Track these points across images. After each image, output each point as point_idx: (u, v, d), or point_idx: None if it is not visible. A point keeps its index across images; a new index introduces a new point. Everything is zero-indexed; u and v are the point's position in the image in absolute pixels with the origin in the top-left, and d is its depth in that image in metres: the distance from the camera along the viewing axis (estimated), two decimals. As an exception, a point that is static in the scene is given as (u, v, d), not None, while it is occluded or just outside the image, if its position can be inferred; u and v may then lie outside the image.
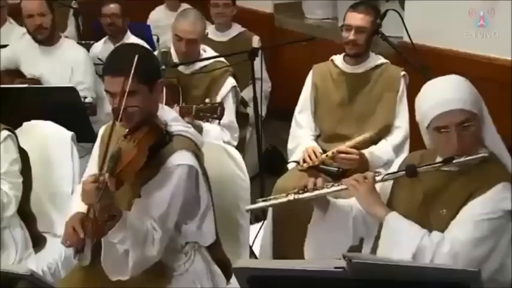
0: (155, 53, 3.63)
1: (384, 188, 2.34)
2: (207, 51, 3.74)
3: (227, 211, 2.71)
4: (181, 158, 2.27)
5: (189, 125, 2.46)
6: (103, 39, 4.70)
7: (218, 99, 3.53)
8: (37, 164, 2.91)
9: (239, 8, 4.81)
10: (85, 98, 3.69)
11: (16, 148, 2.74)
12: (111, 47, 4.28)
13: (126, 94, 2.14)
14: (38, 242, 2.88)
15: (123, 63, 2.18)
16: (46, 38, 3.91)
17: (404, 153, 3.12)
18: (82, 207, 2.24)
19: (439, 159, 2.21)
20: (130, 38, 4.58)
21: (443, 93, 2.14)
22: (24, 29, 4.19)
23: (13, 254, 2.72)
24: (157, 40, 4.96)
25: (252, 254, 3.27)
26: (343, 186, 2.29)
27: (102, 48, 4.58)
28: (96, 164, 2.37)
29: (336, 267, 1.67)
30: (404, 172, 2.24)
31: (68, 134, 3.03)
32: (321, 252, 2.36)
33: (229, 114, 3.56)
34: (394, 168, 2.38)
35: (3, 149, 2.67)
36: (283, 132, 3.79)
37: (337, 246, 2.29)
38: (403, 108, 3.25)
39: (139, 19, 5.34)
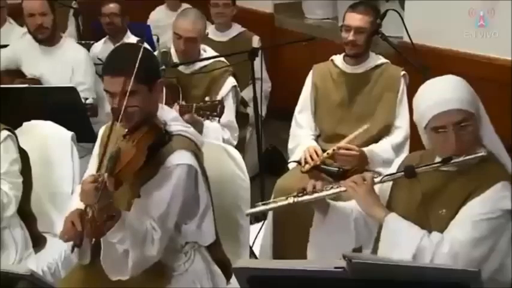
0: (155, 53, 3.64)
1: (383, 189, 2.34)
2: (207, 51, 3.74)
3: (227, 211, 2.71)
4: (180, 158, 2.27)
5: (189, 125, 2.46)
6: (103, 39, 4.70)
7: (218, 98, 3.53)
8: (37, 164, 2.91)
9: (239, 8, 4.81)
10: (86, 99, 3.68)
11: (16, 148, 2.74)
12: (111, 47, 4.28)
13: (127, 94, 2.14)
14: (38, 242, 2.88)
15: (123, 63, 2.19)
16: (47, 37, 3.91)
17: (405, 153, 3.12)
18: (81, 207, 2.23)
19: (438, 159, 2.21)
20: (130, 38, 4.58)
21: (441, 93, 2.15)
22: (24, 29, 4.18)
23: (13, 254, 2.72)
24: (157, 40, 4.95)
25: (252, 254, 3.27)
26: (342, 188, 2.29)
27: (102, 48, 4.58)
28: (96, 164, 2.36)
29: (336, 267, 1.67)
30: (403, 173, 2.24)
31: (68, 134, 3.03)
32: (323, 255, 2.36)
33: (229, 114, 3.56)
34: (393, 168, 2.38)
35: (3, 149, 2.67)
36: (283, 132, 3.79)
37: (339, 249, 2.27)
38: (404, 108, 3.24)
39: (139, 19, 5.33)
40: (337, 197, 2.40)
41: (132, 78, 2.14)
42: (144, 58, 2.24)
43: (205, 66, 3.65)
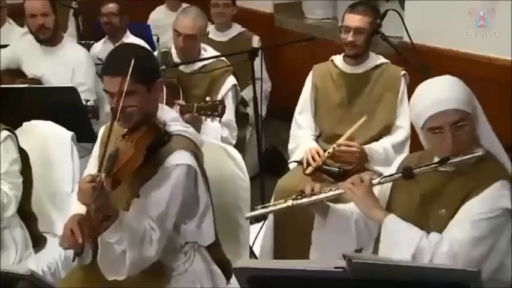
0: (155, 53, 3.64)
1: (382, 191, 2.34)
2: (207, 51, 3.74)
3: (227, 211, 2.71)
4: (179, 158, 2.26)
5: (188, 125, 2.46)
6: (103, 39, 4.70)
7: (219, 98, 3.53)
8: (37, 164, 2.91)
9: (239, 8, 4.81)
10: (87, 101, 3.68)
11: (16, 148, 2.74)
12: (110, 47, 4.28)
13: (123, 94, 2.15)
14: (38, 242, 2.88)
15: (121, 63, 2.18)
16: (48, 38, 3.91)
17: (405, 153, 3.12)
18: (82, 207, 2.23)
19: (436, 160, 2.21)
20: (130, 38, 4.58)
21: (438, 93, 2.15)
22: (23, 29, 4.18)
23: (13, 254, 2.72)
24: (157, 40, 4.96)
25: (252, 254, 3.27)
26: (341, 191, 2.30)
27: (101, 48, 4.58)
28: (95, 164, 2.37)
29: (336, 267, 1.67)
30: (401, 174, 2.24)
31: (68, 134, 3.03)
32: (325, 257, 2.36)
33: (228, 113, 3.55)
34: (393, 169, 2.38)
35: (3, 149, 2.67)
36: (283, 132, 3.79)
37: (341, 251, 2.27)
38: (404, 108, 3.23)
39: (139, 19, 5.34)
40: (337, 198, 2.41)
41: (128, 78, 2.14)
42: (143, 58, 2.25)
43: (205, 65, 3.65)
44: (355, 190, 2.25)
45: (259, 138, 3.62)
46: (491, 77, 3.58)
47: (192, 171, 2.30)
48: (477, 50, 3.79)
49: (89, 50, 4.40)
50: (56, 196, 3.01)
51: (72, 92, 3.48)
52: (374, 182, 2.27)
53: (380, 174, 2.46)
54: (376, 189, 2.29)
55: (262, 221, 3.42)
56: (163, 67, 3.37)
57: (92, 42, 4.70)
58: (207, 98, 3.20)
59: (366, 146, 3.19)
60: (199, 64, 3.64)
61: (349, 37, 3.19)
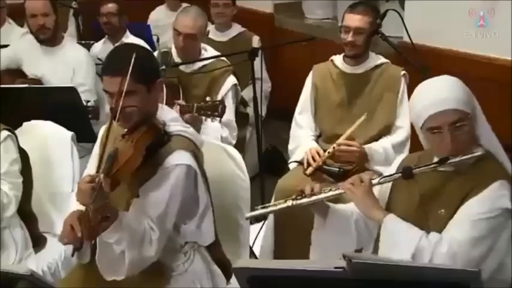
0: (155, 53, 3.64)
1: (382, 191, 2.34)
2: (208, 51, 3.74)
3: (227, 211, 2.71)
4: (179, 158, 2.26)
5: (188, 125, 2.46)
6: (103, 39, 4.70)
7: (219, 98, 3.53)
8: (37, 164, 2.91)
9: (239, 8, 4.81)
10: (88, 101, 3.68)
11: (16, 148, 2.74)
12: (110, 47, 4.28)
13: (123, 94, 2.14)
14: (38, 242, 2.88)
15: (121, 63, 2.18)
16: (48, 38, 3.91)
17: (405, 153, 3.12)
18: (81, 207, 2.23)
19: (435, 160, 2.21)
20: (130, 38, 4.59)
21: (438, 93, 2.15)
22: (23, 29, 4.18)
23: (13, 254, 2.72)
24: (157, 40, 4.96)
25: (252, 254, 3.27)
26: (341, 191, 2.30)
27: (101, 48, 4.58)
28: (95, 164, 2.36)
29: (336, 267, 1.67)
30: (400, 174, 2.24)
31: (68, 134, 3.03)
32: (325, 257, 2.36)
33: (228, 113, 3.55)
34: (393, 169, 2.38)
35: (3, 149, 2.67)
36: (283, 132, 3.79)
37: (341, 251, 2.28)
38: (404, 108, 3.23)
39: (139, 19, 5.34)
40: (337, 198, 2.41)
41: (128, 77, 2.14)
42: (143, 58, 2.24)
43: (205, 65, 3.65)
44: (354, 190, 2.25)
45: (259, 138, 3.62)
46: (491, 77, 3.58)
47: (191, 172, 2.30)
48: (477, 50, 3.79)
49: (89, 50, 4.40)
50: (56, 196, 3.01)
51: (72, 92, 3.48)
52: (374, 182, 2.28)
53: (380, 174, 2.46)
54: (375, 189, 2.29)
55: (262, 221, 3.42)
56: (163, 67, 3.37)
57: (92, 42, 4.71)
58: (207, 98, 3.20)
59: (366, 146, 3.19)
60: (200, 64, 3.64)
61: (349, 37, 3.19)
